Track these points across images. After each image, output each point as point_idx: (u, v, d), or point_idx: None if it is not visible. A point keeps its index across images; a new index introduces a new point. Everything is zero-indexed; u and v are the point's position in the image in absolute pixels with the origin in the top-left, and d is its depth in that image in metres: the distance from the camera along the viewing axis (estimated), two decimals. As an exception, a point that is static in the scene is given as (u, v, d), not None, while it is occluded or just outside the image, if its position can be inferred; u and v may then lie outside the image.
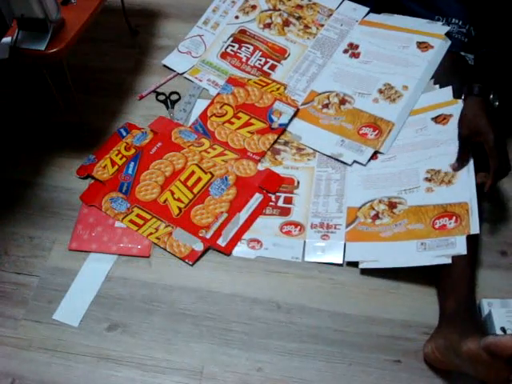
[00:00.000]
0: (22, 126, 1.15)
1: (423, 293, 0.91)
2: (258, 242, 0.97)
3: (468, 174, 0.92)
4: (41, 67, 0.98)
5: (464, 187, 0.91)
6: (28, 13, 0.89)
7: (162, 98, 1.19)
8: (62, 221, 1.00)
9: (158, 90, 1.21)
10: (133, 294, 0.92)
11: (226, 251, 0.96)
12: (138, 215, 1.00)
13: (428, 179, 0.95)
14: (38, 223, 1.00)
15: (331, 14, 1.24)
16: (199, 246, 0.96)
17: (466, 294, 0.83)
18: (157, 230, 0.98)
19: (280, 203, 1.01)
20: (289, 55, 1.21)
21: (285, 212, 1.00)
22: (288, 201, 1.02)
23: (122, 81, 1.23)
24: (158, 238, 0.97)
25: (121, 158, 1.07)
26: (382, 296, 0.91)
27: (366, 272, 0.93)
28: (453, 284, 0.84)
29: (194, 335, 0.88)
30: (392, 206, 0.95)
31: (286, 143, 1.09)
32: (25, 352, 0.86)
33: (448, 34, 1.09)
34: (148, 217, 0.99)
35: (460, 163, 0.93)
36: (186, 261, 0.95)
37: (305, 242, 0.96)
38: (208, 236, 0.97)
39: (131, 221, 0.99)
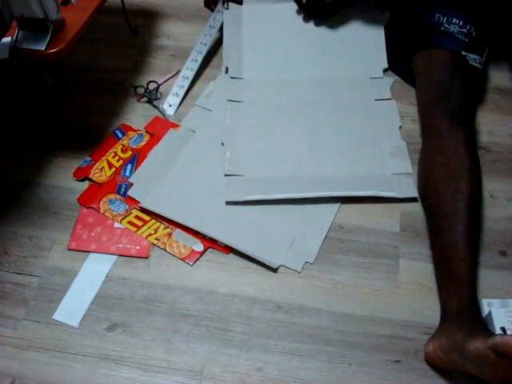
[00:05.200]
0: (21, 125, 1.15)
1: (423, 293, 0.91)
2: None
3: None
4: (41, 67, 0.98)
5: None
6: (28, 13, 0.89)
7: (141, 90, 1.18)
8: (61, 221, 1.00)
9: (136, 83, 1.20)
10: (133, 294, 0.92)
11: (226, 251, 0.96)
12: (136, 217, 1.00)
13: None
14: (38, 223, 1.00)
15: None
16: (199, 247, 0.96)
17: (469, 294, 0.82)
18: (156, 231, 0.98)
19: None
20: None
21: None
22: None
23: (122, 81, 1.23)
24: (157, 239, 0.97)
25: (118, 160, 1.07)
26: (382, 296, 0.91)
27: (366, 272, 0.93)
28: (456, 284, 0.84)
29: (193, 335, 0.88)
30: None
31: None
32: (25, 352, 0.86)
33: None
34: (147, 218, 0.99)
35: None
36: (186, 261, 0.95)
37: None
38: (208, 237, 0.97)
39: (130, 222, 0.99)
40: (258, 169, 1.04)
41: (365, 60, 1.21)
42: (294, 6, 1.27)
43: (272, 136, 1.09)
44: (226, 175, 1.03)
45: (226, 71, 1.19)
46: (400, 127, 1.10)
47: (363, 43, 1.22)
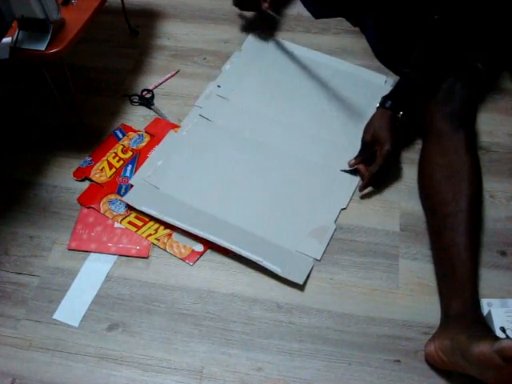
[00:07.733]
0: (22, 125, 1.15)
1: (423, 293, 0.91)
2: None
3: None
4: (41, 67, 0.98)
5: None
6: (28, 13, 0.89)
7: (135, 99, 1.19)
8: (61, 221, 1.00)
9: (129, 93, 1.20)
10: (133, 293, 0.92)
11: (226, 252, 0.96)
12: (136, 217, 1.00)
13: None
14: (38, 223, 1.00)
15: None
16: (199, 247, 0.96)
17: (472, 296, 0.82)
18: (156, 231, 0.98)
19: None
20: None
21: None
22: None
23: (122, 81, 1.23)
24: (157, 239, 0.97)
25: (118, 161, 1.07)
26: (382, 296, 0.91)
27: (366, 272, 0.93)
28: (458, 285, 0.84)
29: (193, 335, 0.88)
30: None
31: None
32: (25, 352, 0.86)
33: None
34: (147, 218, 0.99)
35: (358, 161, 1.04)
36: (187, 261, 0.95)
37: None
38: (208, 236, 0.97)
39: (130, 222, 0.99)
40: (177, 190, 1.01)
41: (356, 126, 1.09)
42: (323, 56, 1.26)
43: (213, 167, 1.05)
44: (144, 180, 1.02)
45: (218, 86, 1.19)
46: (344, 209, 1.01)
47: (364, 114, 1.11)
